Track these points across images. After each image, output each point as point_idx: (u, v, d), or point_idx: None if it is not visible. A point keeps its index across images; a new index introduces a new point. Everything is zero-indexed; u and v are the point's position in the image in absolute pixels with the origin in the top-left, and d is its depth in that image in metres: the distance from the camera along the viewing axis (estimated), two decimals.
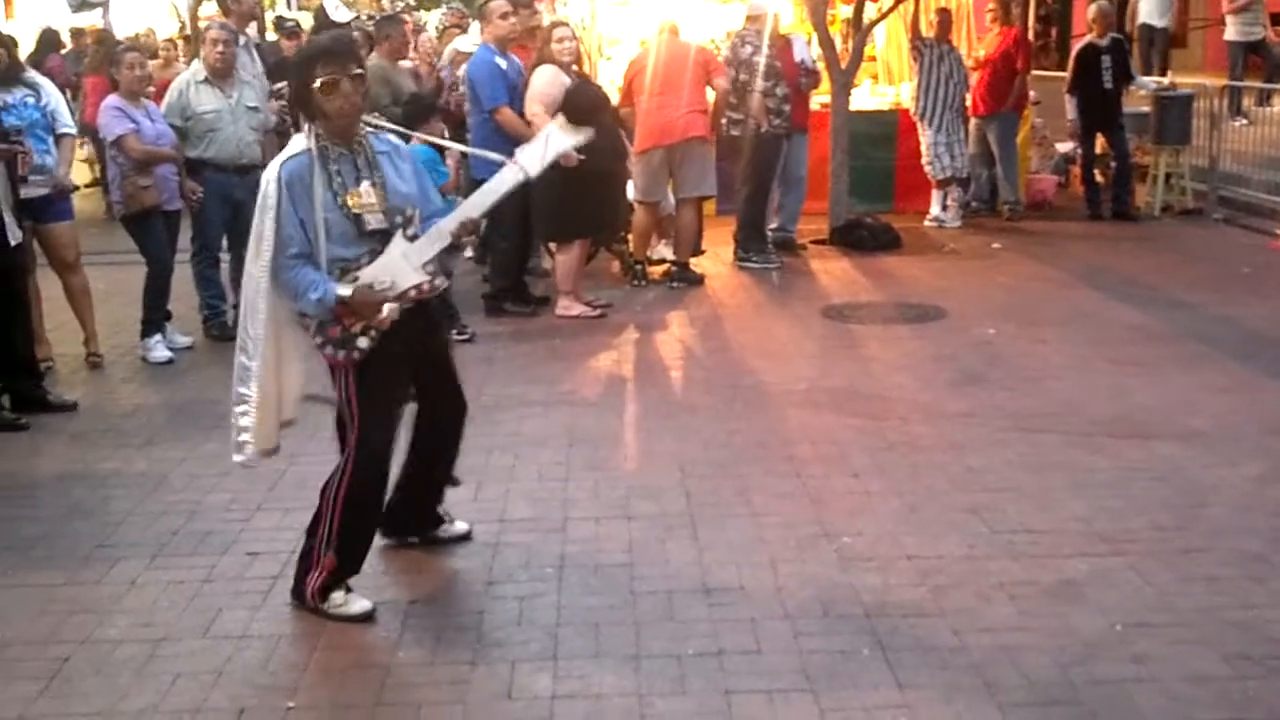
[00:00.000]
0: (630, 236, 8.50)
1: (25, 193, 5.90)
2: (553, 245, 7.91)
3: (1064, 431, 5.24)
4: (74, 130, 6.45)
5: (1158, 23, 13.47)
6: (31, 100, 6.08)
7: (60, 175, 6.36)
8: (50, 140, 6.16)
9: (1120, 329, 6.95)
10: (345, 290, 3.54)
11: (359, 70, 3.63)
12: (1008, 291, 7.96)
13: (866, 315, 7.47)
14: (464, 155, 7.55)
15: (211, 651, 3.56)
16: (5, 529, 4.50)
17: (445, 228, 3.64)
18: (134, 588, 3.98)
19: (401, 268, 3.59)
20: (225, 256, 7.30)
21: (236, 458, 3.78)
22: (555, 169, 7.07)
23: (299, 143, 3.65)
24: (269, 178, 3.60)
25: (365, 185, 3.61)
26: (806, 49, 9.39)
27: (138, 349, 6.80)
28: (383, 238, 3.62)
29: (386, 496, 3.88)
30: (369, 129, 3.75)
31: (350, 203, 3.58)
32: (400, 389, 3.82)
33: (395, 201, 3.64)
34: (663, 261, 8.57)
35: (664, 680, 3.35)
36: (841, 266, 8.90)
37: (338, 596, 3.72)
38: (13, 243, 5.67)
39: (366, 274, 3.58)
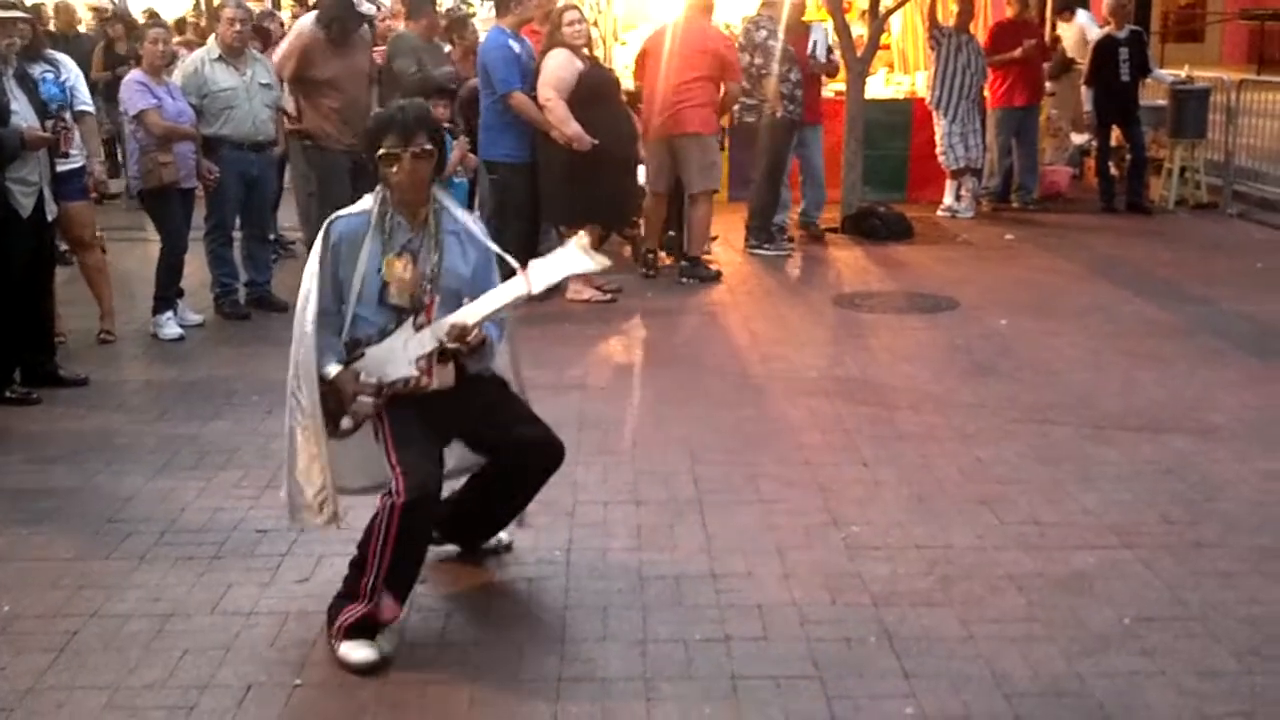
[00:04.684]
0: (641, 222, 8.44)
1: None
2: (563, 228, 7.88)
3: (1075, 424, 5.22)
4: (92, 108, 6.47)
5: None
6: (50, 76, 6.07)
7: (94, 166, 6.39)
8: (68, 117, 6.15)
9: (1134, 322, 6.93)
10: (333, 371, 3.51)
11: (428, 146, 3.48)
12: (1020, 283, 7.94)
13: (878, 304, 7.45)
14: (469, 138, 7.50)
15: (220, 628, 3.57)
16: (15, 503, 4.51)
17: (438, 330, 3.48)
18: (143, 563, 3.99)
19: (399, 357, 3.50)
20: (238, 235, 7.33)
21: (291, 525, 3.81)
22: (565, 152, 7.15)
23: (364, 202, 3.58)
24: (319, 234, 3.57)
25: (404, 261, 3.50)
26: (825, 38, 9.27)
27: (149, 325, 6.82)
28: (401, 315, 3.53)
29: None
30: (442, 206, 3.62)
31: (386, 268, 3.50)
32: (433, 436, 3.59)
33: (447, 283, 3.54)
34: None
35: (671, 665, 3.35)
36: (854, 255, 8.88)
37: (350, 643, 3.39)
38: (50, 218, 5.70)
39: (363, 360, 3.52)
